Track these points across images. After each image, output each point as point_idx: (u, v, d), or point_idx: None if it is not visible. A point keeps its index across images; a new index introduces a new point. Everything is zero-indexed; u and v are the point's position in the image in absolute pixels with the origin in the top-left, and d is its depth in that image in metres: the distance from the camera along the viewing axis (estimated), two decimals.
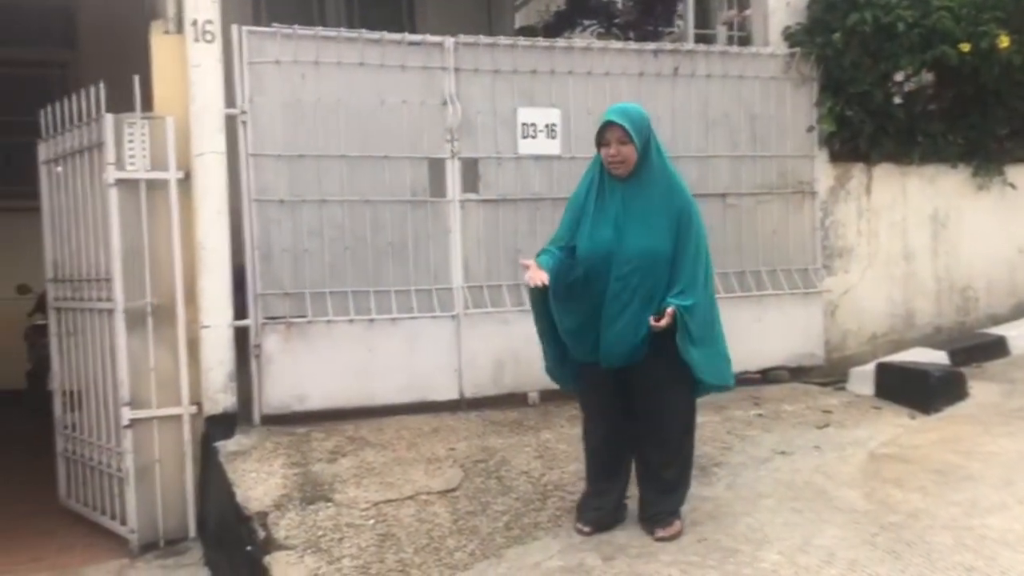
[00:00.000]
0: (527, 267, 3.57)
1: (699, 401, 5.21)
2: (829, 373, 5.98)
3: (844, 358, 6.07)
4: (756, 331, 5.77)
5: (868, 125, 5.98)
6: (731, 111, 5.81)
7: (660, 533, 3.66)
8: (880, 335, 6.23)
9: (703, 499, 4.03)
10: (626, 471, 3.86)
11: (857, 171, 6.17)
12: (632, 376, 3.68)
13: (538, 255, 3.70)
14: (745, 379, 5.78)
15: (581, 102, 5.41)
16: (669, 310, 3.50)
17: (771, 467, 4.40)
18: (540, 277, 3.49)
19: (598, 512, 3.79)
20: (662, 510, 3.72)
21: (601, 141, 3.65)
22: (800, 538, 3.60)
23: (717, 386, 3.84)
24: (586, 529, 3.74)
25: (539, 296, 3.69)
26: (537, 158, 5.33)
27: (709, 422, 4.96)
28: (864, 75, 5.86)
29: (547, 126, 5.35)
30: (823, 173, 6.06)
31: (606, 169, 3.67)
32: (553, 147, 5.37)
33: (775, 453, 4.57)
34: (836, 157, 6.09)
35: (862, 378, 5.68)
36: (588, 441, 3.89)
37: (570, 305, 3.67)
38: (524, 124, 5.31)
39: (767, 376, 5.89)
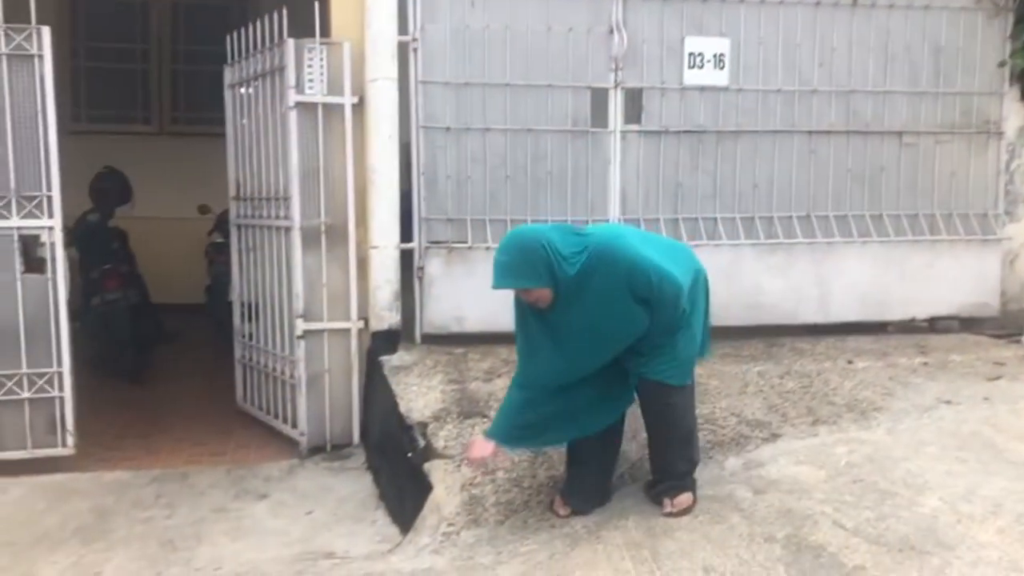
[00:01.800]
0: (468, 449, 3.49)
1: (864, 347, 5.17)
2: (1003, 325, 5.65)
3: (1022, 310, 5.72)
4: (926, 277, 5.54)
5: None
6: (913, 44, 5.49)
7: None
8: None
9: (861, 442, 3.94)
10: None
11: None
12: None
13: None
14: (911, 327, 5.59)
15: (752, 32, 5.25)
16: None
17: (935, 415, 4.24)
18: (479, 453, 3.39)
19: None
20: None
21: None
22: (964, 487, 3.47)
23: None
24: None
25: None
26: (703, 89, 5.22)
27: (871, 367, 4.83)
28: None
29: (715, 56, 5.21)
30: (1013, 112, 5.65)
31: None
32: (721, 78, 5.24)
33: (940, 402, 4.39)
34: None
35: None
36: None
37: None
38: (691, 53, 5.20)
39: (935, 325, 5.64)
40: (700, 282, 3.44)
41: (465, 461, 3.42)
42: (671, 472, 3.48)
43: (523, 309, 3.34)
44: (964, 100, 5.58)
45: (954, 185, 5.60)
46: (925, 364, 4.94)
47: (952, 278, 5.58)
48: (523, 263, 3.13)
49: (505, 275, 3.17)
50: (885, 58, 5.46)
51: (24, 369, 4.57)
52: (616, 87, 5.16)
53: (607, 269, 3.18)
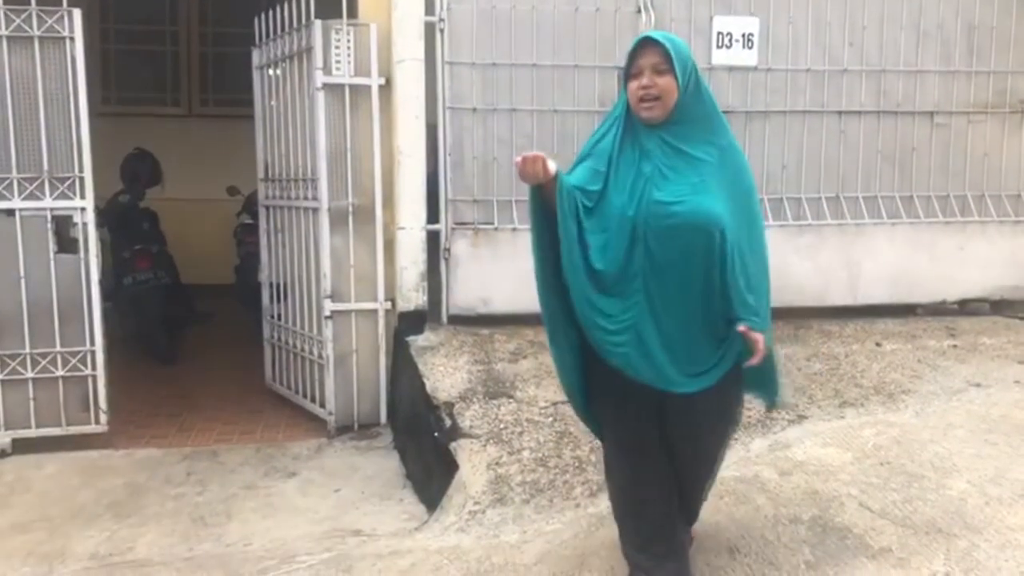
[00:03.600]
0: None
1: (893, 330, 5.14)
2: None
3: None
4: (956, 260, 5.49)
5: None
6: (946, 21, 5.40)
7: None
8: None
9: (888, 424, 3.92)
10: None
11: None
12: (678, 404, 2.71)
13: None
14: (941, 309, 5.54)
15: (782, 11, 5.19)
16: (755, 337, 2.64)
17: (964, 398, 4.21)
18: (538, 161, 2.48)
19: None
20: None
21: (631, 70, 2.65)
22: (993, 470, 3.45)
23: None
24: None
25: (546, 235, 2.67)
26: (731, 69, 5.17)
27: (899, 350, 4.80)
28: None
29: (744, 35, 5.16)
30: None
31: (634, 111, 2.67)
32: (749, 58, 5.18)
33: (969, 384, 4.37)
34: None
35: None
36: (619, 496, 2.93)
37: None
38: (719, 33, 5.14)
39: (965, 308, 5.58)
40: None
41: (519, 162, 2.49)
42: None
43: (606, 133, 2.77)
44: (998, 79, 5.50)
45: (987, 166, 5.53)
46: (955, 347, 4.90)
47: (983, 260, 5.52)
48: (679, 43, 2.66)
49: (661, 34, 2.67)
50: (917, 36, 5.39)
51: (58, 348, 4.65)
52: None
53: (725, 158, 2.72)
